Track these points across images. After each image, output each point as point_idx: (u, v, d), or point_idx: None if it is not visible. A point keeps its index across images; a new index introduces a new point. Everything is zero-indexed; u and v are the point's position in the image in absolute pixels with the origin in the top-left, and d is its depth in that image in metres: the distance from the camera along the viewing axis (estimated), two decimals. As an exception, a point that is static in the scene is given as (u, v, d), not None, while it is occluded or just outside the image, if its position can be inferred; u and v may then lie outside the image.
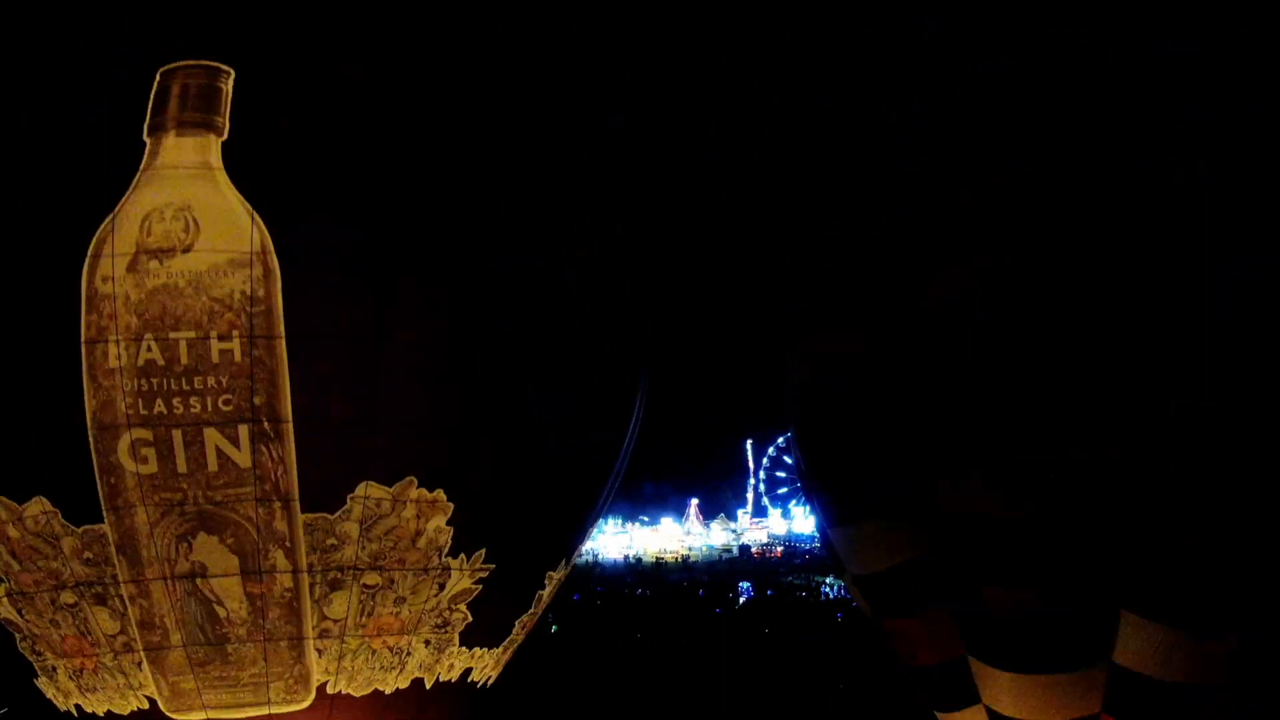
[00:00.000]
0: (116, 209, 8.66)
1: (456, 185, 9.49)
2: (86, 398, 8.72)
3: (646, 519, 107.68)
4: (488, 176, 9.69)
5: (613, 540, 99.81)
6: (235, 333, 8.73)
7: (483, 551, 10.48)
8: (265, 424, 8.89)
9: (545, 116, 10.36)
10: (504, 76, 10.14)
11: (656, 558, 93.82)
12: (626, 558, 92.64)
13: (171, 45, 9.12)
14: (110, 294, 8.60)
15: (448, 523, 10.01)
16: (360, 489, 9.41)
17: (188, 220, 8.64)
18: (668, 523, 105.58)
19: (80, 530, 9.06)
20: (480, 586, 10.64)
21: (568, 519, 11.73)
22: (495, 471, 10.14)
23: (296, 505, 9.17)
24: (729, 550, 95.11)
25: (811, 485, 12.56)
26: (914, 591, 11.10)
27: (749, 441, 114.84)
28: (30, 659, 9.98)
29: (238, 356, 8.76)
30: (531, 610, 11.89)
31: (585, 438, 11.09)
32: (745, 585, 49.99)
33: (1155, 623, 9.79)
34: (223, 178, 8.82)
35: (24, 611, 9.60)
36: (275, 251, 8.78)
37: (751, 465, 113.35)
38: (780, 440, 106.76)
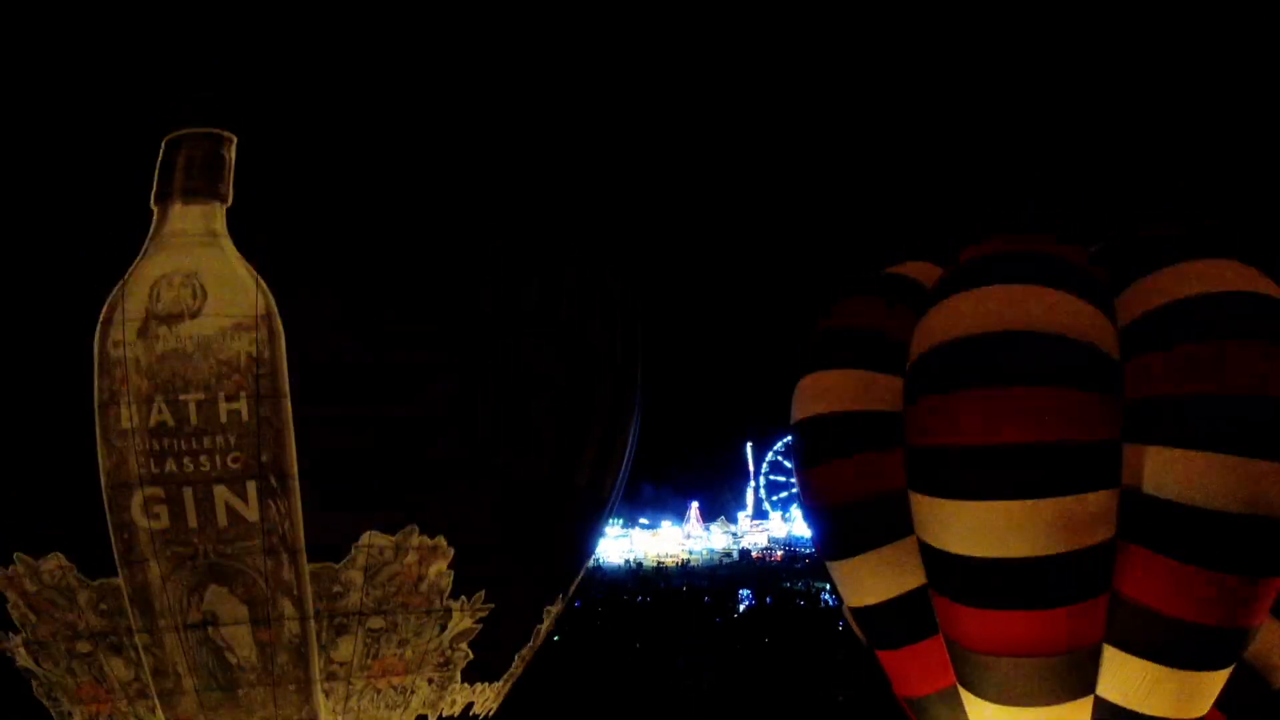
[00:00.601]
0: (126, 275, 9.02)
1: (450, 247, 9.86)
2: (100, 458, 9.08)
3: (646, 522, 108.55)
4: (481, 238, 10.05)
5: (614, 544, 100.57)
6: (242, 393, 9.09)
7: (482, 593, 10.85)
8: (272, 480, 9.25)
9: (535, 180, 10.75)
10: (495, 146, 10.54)
11: (657, 562, 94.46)
12: (627, 562, 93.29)
13: (176, 113, 9.47)
14: (122, 358, 8.95)
15: (449, 567, 10.38)
16: (364, 538, 9.78)
17: (195, 286, 9.01)
18: (668, 526, 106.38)
19: (95, 583, 9.41)
20: (480, 625, 11.01)
21: (564, 558, 12.12)
22: (493, 517, 10.51)
23: (303, 556, 9.53)
24: (729, 555, 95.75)
25: (809, 518, 12.96)
26: (907, 625, 11.49)
27: (749, 444, 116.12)
28: (46, 704, 10.32)
29: (245, 416, 9.11)
30: (531, 644, 12.28)
31: (581, 481, 11.47)
32: (745, 593, 50.34)
33: (1139, 658, 10.16)
34: (228, 244, 9.18)
35: (41, 660, 9.95)
36: (279, 314, 9.15)
37: (752, 468, 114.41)
38: (780, 445, 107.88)
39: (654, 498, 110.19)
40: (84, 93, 9.77)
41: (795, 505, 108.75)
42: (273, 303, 9.17)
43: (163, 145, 9.39)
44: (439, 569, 10.31)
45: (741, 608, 47.98)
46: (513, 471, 10.60)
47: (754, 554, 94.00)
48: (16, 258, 9.16)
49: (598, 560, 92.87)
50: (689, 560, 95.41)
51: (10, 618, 9.80)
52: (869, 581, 11.65)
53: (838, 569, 12.09)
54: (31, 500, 9.29)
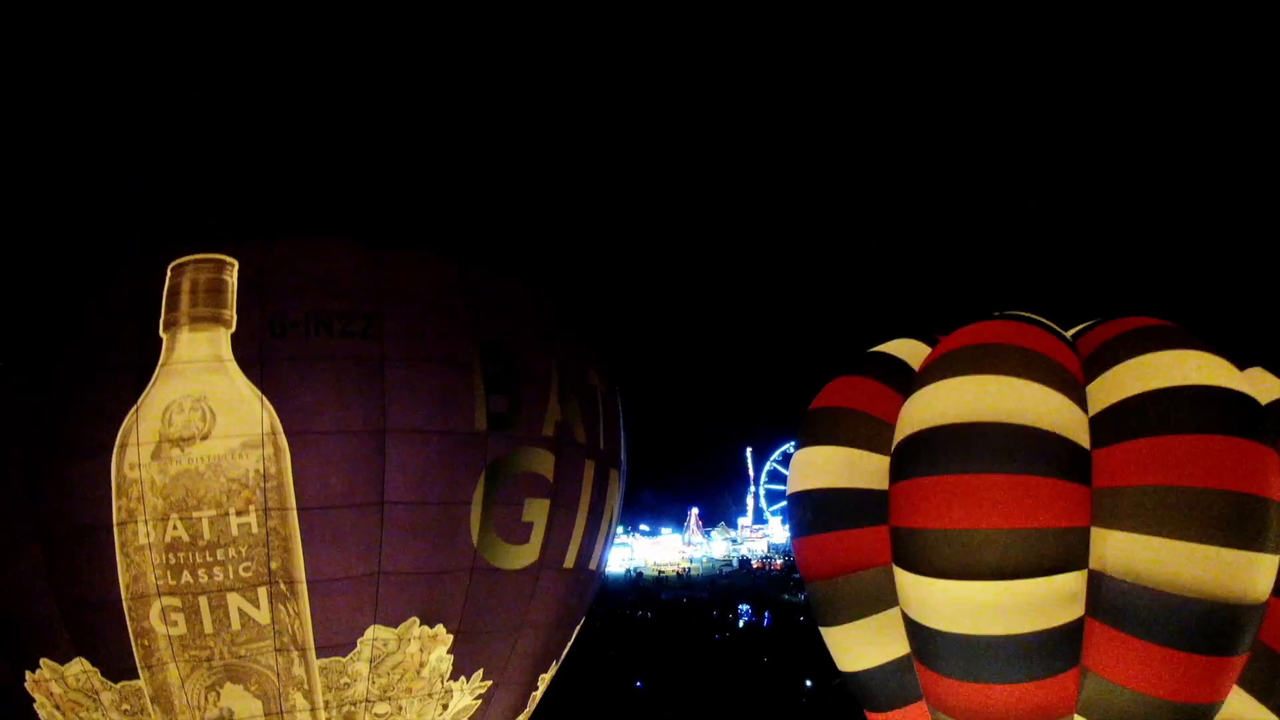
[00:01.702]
0: (139, 402, 9.66)
1: (440, 367, 10.53)
2: (120, 572, 9.72)
3: (647, 529, 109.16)
4: (469, 361, 10.72)
5: (614, 553, 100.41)
6: (252, 507, 9.73)
7: (480, 671, 11.52)
8: (282, 585, 9.90)
9: (518, 304, 11.48)
10: (477, 271, 11.21)
11: (658, 571, 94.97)
12: (628, 571, 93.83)
13: (179, 239, 10.11)
14: (138, 479, 9.59)
15: (448, 652, 11.04)
16: (369, 633, 10.44)
17: (204, 410, 9.65)
18: (668, 533, 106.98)
19: (118, 685, 10.05)
20: (480, 701, 11.68)
21: (557, 631, 12.78)
22: (488, 604, 11.16)
23: (312, 653, 10.19)
24: (729, 564, 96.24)
25: (806, 585, 13.68)
26: (894, 689, 12.17)
27: (749, 450, 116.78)
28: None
29: (255, 528, 9.75)
30: (528, 709, 12.96)
31: (570, 563, 12.13)
32: (745, 608, 50.91)
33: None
34: (233, 368, 9.82)
35: (69, 756, 10.58)
36: (284, 432, 9.79)
37: (752, 474, 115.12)
38: (778, 454, 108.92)
39: (654, 504, 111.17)
40: (93, 219, 10.42)
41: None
42: (277, 421, 9.81)
43: (168, 271, 10.04)
44: (439, 654, 10.97)
45: (741, 623, 48.61)
46: (505, 562, 11.26)
47: (754, 563, 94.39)
48: (36, 386, 9.78)
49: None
50: (689, 569, 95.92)
51: (39, 717, 10.44)
52: (858, 648, 12.34)
53: (828, 635, 12.77)
54: (55, 612, 9.92)
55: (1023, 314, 12.59)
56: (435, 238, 11.14)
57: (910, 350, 12.94)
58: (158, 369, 9.74)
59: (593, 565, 13.05)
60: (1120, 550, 10.41)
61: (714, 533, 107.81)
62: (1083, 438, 10.92)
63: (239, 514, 9.71)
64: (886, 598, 11.81)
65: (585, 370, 12.56)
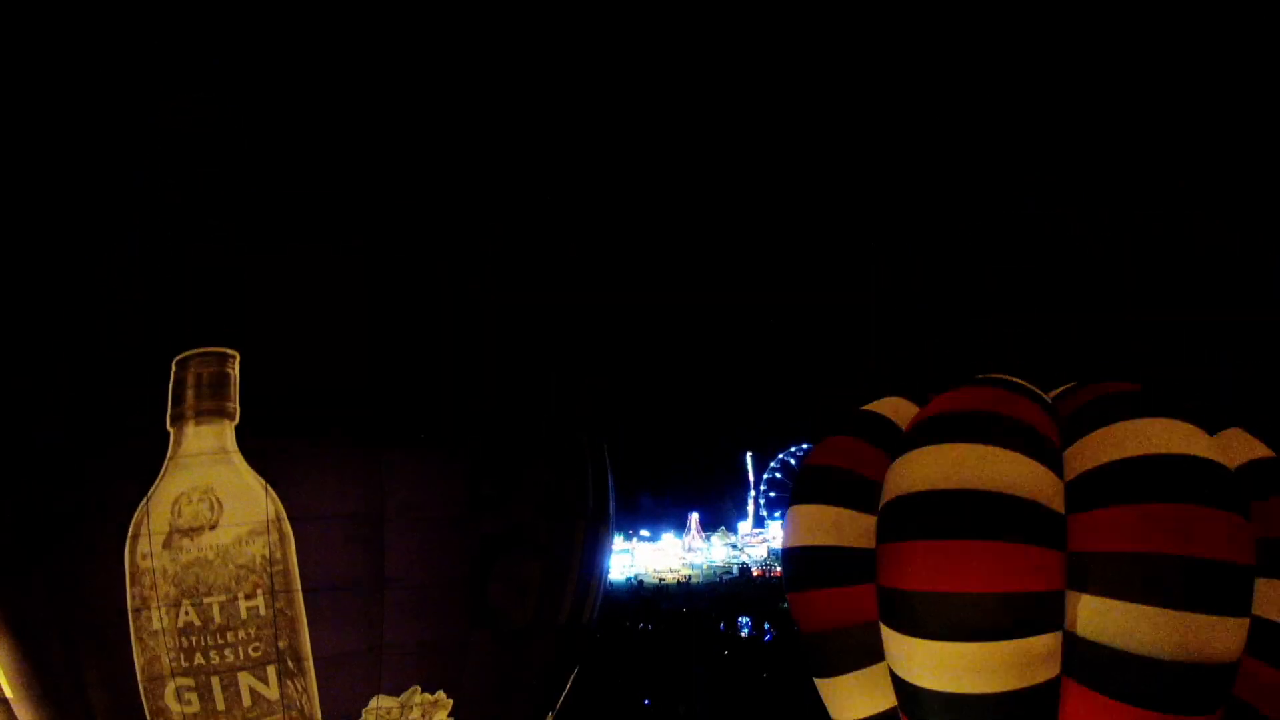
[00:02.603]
0: (150, 494, 10.19)
1: (435, 449, 11.09)
2: (135, 655, 10.25)
3: (648, 534, 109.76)
4: (463, 446, 11.29)
5: (615, 560, 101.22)
6: (259, 591, 10.27)
7: (483, 728, 12.07)
8: (289, 663, 10.44)
9: (509, 380, 12.03)
10: (466, 354, 11.77)
11: (659, 579, 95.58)
12: (629, 579, 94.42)
13: (183, 334, 10.64)
14: (150, 568, 10.12)
15: (449, 715, 11.59)
16: (373, 703, 10.98)
17: (212, 501, 10.19)
18: (669, 539, 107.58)
19: (137, 760, 10.58)
20: (482, 758, 12.23)
21: (554, 682, 13.35)
22: (485, 666, 11.73)
23: (320, 724, 10.72)
24: (729, 571, 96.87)
25: (800, 636, 14.34)
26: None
27: (749, 454, 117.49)
28: None
29: (262, 610, 10.29)
30: (529, 756, 13.53)
31: (562, 619, 12.71)
32: (745, 620, 51.54)
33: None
34: (238, 459, 10.37)
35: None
36: (288, 518, 10.34)
37: (752, 478, 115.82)
38: (775, 462, 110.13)
39: (655, 508, 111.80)
40: (99, 318, 10.95)
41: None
42: (281, 508, 10.35)
43: (173, 366, 10.57)
44: (441, 718, 11.51)
45: (742, 634, 49.20)
46: (500, 624, 11.82)
47: (754, 570, 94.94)
48: (51, 483, 10.30)
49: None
50: (690, 577, 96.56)
51: (61, 790, 10.95)
52: (850, 699, 12.99)
53: (821, 686, 13.44)
54: (74, 695, 10.45)
55: (1004, 378, 13.21)
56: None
57: (899, 409, 13.61)
58: (166, 462, 10.27)
59: (585, 618, 13.60)
60: (1093, 613, 11.01)
61: (714, 537, 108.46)
62: (1058, 503, 11.54)
63: (247, 598, 10.24)
64: (875, 652, 12.45)
65: (576, 440, 13.11)
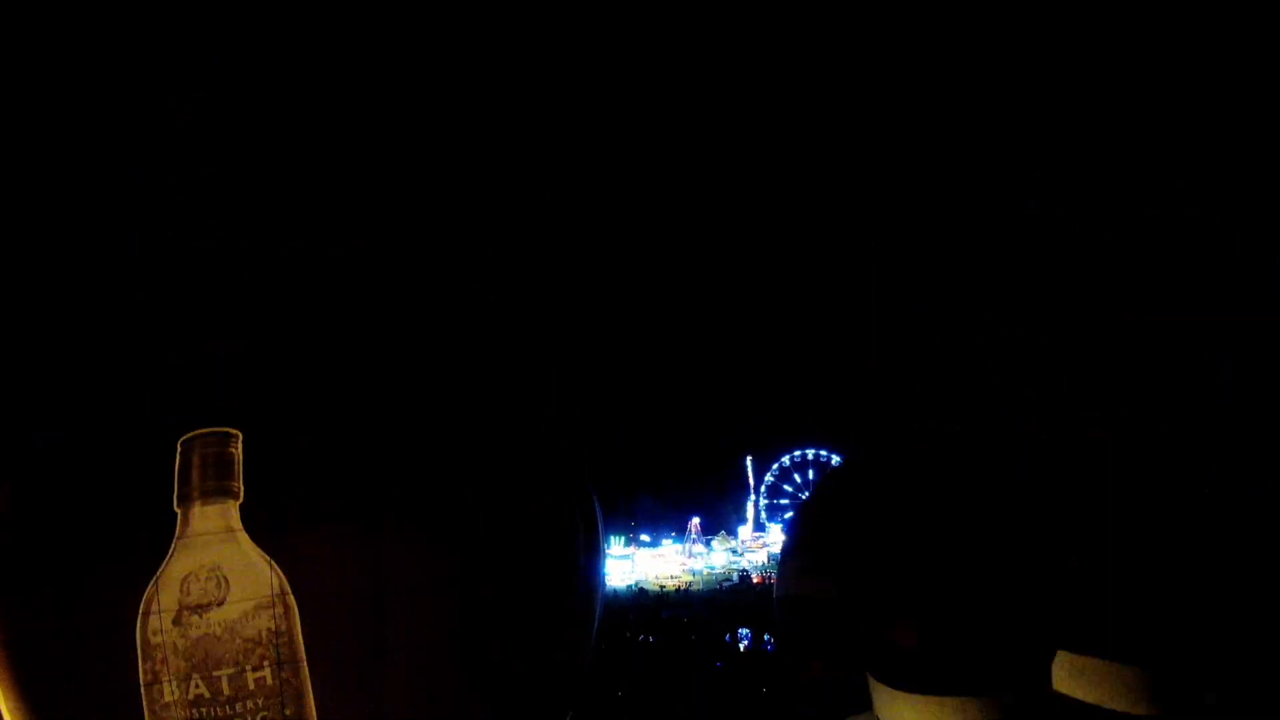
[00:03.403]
0: (159, 574, 10.62)
1: (433, 523, 11.49)
2: (148, 727, 10.71)
3: (648, 539, 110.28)
4: (459, 512, 11.67)
5: (616, 566, 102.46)
6: (266, 663, 10.70)
7: (482, 780, 12.53)
8: (295, 730, 10.89)
9: (504, 443, 12.39)
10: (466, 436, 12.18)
11: (659, 586, 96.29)
12: (630, 587, 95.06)
13: (187, 417, 11.08)
14: (161, 644, 10.54)
15: (451, 773, 12.05)
16: (375, 765, 11.42)
17: (219, 579, 10.62)
18: (669, 545, 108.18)
19: (151, 826, 11.04)
20: (484, 809, 12.69)
21: (554, 731, 13.82)
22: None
23: (325, 786, 11.18)
24: (729, 578, 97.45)
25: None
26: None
27: (749, 458, 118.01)
28: None
29: (269, 680, 10.71)
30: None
31: (562, 683, 13.15)
32: (745, 633, 52.03)
33: None
34: (243, 537, 10.78)
35: None
36: (292, 592, 10.77)
37: (752, 482, 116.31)
38: (775, 467, 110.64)
39: (655, 513, 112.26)
40: (107, 406, 11.38)
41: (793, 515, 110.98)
42: (285, 582, 10.78)
43: (178, 446, 10.99)
44: (443, 776, 11.97)
45: (742, 646, 49.74)
46: (497, 680, 12.24)
47: (755, 577, 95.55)
48: (62, 564, 10.74)
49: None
50: (690, 584, 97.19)
51: None
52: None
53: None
54: (92, 764, 10.92)
55: None
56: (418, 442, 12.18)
57: None
58: (174, 542, 10.69)
59: (580, 671, 14.02)
60: (1068, 668, 11.47)
61: (714, 541, 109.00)
62: None
63: (254, 669, 10.67)
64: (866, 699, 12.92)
65: (568, 496, 13.51)
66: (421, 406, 12.24)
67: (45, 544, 10.90)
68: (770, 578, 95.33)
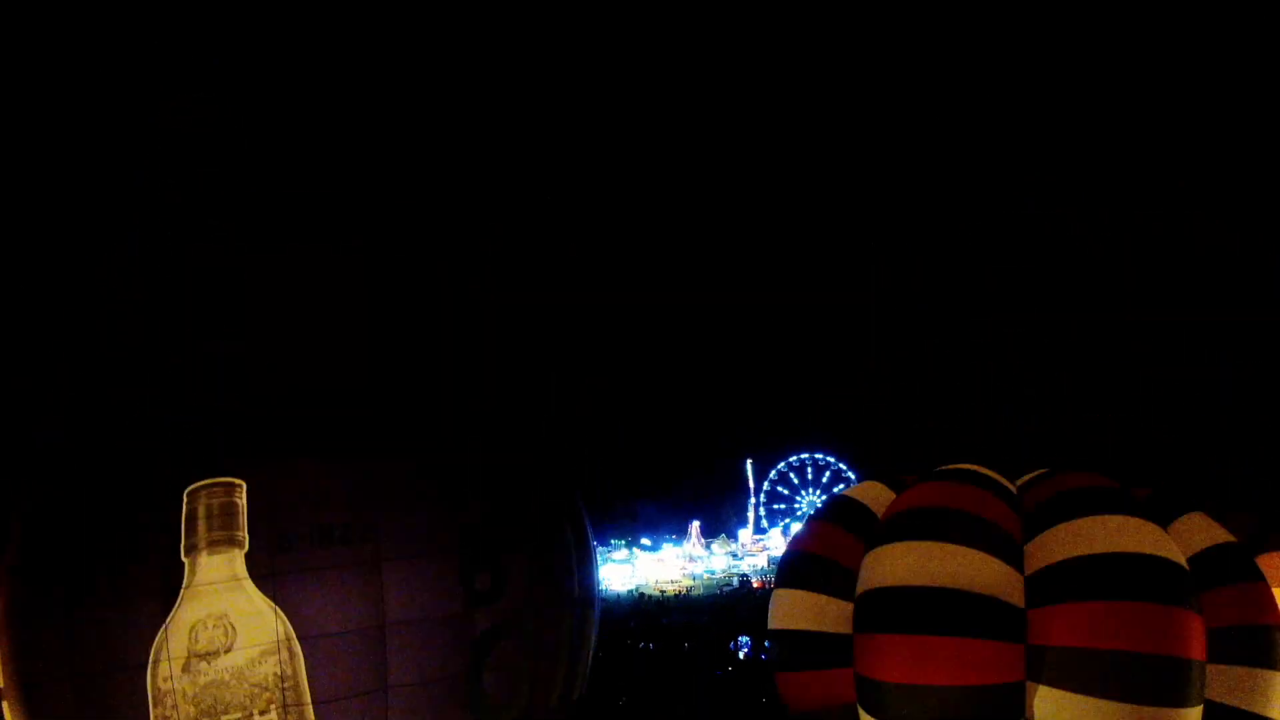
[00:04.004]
0: (168, 622, 10.98)
1: (429, 560, 11.88)
2: (160, 770, 11.01)
3: (649, 543, 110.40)
4: (453, 545, 12.05)
5: (617, 570, 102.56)
6: (272, 706, 11.06)
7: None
8: (302, 769, 11.22)
9: (489, 478, 12.78)
10: (460, 460, 12.48)
11: (660, 590, 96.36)
12: (631, 592, 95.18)
13: (192, 468, 11.42)
14: (171, 690, 10.90)
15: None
16: (379, 801, 11.75)
17: (226, 626, 10.98)
18: (669, 549, 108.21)
19: None
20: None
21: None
22: None
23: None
24: (729, 583, 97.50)
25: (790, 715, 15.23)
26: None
27: (749, 461, 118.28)
28: None
29: (275, 723, 11.08)
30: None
31: (553, 700, 13.52)
32: (745, 640, 52.13)
33: None
34: (249, 585, 11.16)
35: None
36: (297, 638, 11.12)
37: (752, 485, 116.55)
38: (775, 471, 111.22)
39: (656, 517, 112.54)
40: (116, 445, 11.71)
41: (794, 519, 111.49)
42: (290, 628, 11.16)
43: (184, 497, 11.32)
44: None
45: (741, 655, 49.83)
46: (498, 717, 12.59)
47: (755, 582, 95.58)
48: (75, 611, 11.07)
49: (602, 590, 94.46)
50: (690, 588, 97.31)
51: None
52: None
53: None
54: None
55: (970, 470, 14.00)
56: (417, 442, 12.50)
57: (877, 495, 14.46)
58: (182, 591, 11.06)
59: (575, 696, 14.39)
60: (1050, 705, 11.83)
61: (714, 545, 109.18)
62: (1018, 597, 12.37)
63: (261, 713, 11.04)
64: None
65: (560, 526, 13.89)
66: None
67: (55, 590, 11.21)
68: (770, 582, 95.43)
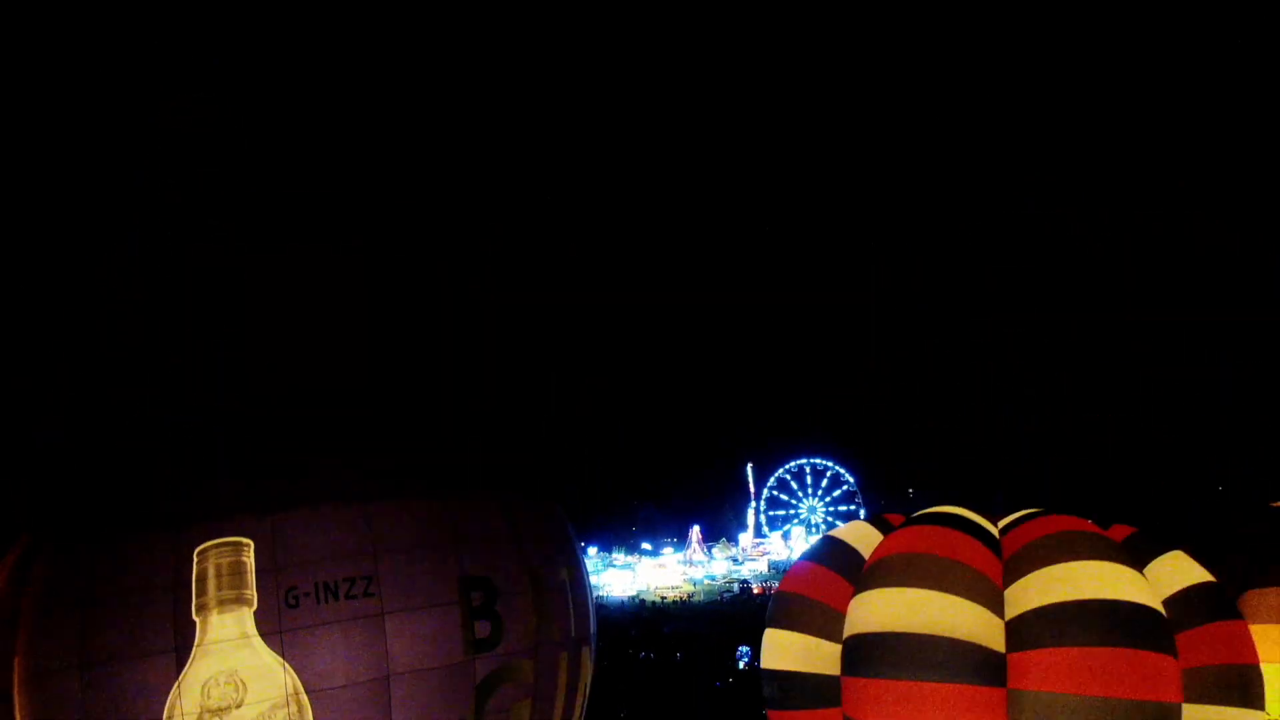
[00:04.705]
0: (180, 679, 11.42)
1: (431, 611, 12.31)
2: (174, 821, 11.44)
3: (649, 548, 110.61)
4: (454, 596, 12.46)
5: (619, 577, 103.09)
6: (282, 757, 11.46)
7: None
8: (310, 817, 11.64)
9: (489, 528, 13.19)
10: (461, 507, 12.88)
11: (660, 597, 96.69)
12: (632, 598, 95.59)
13: (201, 529, 11.84)
14: (184, 744, 11.30)
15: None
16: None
17: (237, 683, 11.41)
18: (669, 554, 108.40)
19: None
20: None
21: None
22: None
23: None
24: (729, 589, 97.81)
25: None
26: None
27: (750, 465, 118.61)
28: None
29: (286, 771, 11.50)
30: None
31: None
32: (744, 650, 52.59)
33: None
34: (258, 642, 11.59)
35: None
36: (305, 690, 11.55)
37: (753, 489, 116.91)
38: (774, 478, 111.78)
39: (656, 521, 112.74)
40: (124, 504, 12.13)
41: (794, 524, 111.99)
42: (298, 682, 11.59)
43: (194, 556, 11.73)
44: None
45: (741, 665, 50.22)
46: None
47: (755, 588, 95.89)
48: (90, 670, 11.48)
49: (602, 597, 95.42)
50: (691, 595, 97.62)
51: None
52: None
53: None
54: None
55: (953, 514, 14.40)
56: (419, 484, 12.93)
57: (864, 537, 14.88)
58: (194, 649, 11.50)
59: None
60: None
61: (715, 549, 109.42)
62: (999, 642, 12.76)
63: (272, 766, 11.42)
64: None
65: (556, 570, 14.31)
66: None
67: (71, 650, 11.63)
68: (769, 588, 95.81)
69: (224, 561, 11.73)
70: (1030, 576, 13.13)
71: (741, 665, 50.01)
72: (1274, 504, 18.88)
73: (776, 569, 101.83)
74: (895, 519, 15.54)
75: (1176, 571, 13.67)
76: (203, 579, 11.67)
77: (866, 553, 14.68)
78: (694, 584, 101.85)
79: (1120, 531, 14.46)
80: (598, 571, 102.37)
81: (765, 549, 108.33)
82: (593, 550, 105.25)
